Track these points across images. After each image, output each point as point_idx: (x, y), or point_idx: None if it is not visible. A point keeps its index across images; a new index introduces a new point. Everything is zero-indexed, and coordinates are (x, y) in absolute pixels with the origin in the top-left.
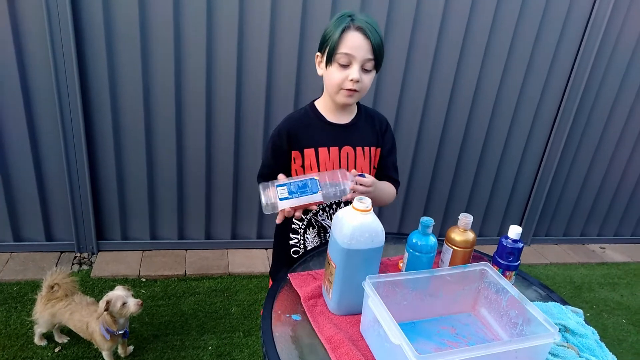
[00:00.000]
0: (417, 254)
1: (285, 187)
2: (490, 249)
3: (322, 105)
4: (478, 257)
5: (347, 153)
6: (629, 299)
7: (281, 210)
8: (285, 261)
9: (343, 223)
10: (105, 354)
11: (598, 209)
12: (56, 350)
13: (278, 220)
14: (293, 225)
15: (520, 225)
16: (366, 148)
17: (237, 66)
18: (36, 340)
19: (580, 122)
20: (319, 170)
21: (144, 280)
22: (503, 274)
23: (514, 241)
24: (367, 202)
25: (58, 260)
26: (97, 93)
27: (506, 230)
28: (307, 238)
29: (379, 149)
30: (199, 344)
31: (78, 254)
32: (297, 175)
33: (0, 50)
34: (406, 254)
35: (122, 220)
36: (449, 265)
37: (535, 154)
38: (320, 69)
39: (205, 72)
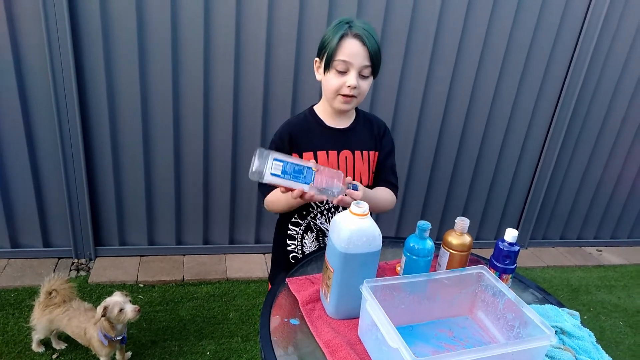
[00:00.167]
0: (414, 257)
1: (281, 164)
2: (488, 253)
3: (321, 110)
4: (475, 260)
5: (346, 157)
6: (626, 301)
7: (302, 194)
8: (284, 266)
9: (340, 227)
10: None
11: (594, 212)
12: (54, 356)
13: (293, 196)
14: (289, 232)
15: (517, 228)
16: (365, 152)
17: (234, 75)
18: (34, 346)
19: (576, 125)
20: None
21: (141, 285)
22: (500, 277)
23: (511, 244)
24: (365, 206)
25: (55, 266)
26: (95, 101)
27: (503, 234)
28: (305, 243)
29: (377, 153)
30: (197, 349)
31: (76, 260)
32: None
33: None
34: (403, 258)
35: (120, 226)
36: (446, 269)
37: (531, 158)
38: (319, 75)
39: (202, 82)
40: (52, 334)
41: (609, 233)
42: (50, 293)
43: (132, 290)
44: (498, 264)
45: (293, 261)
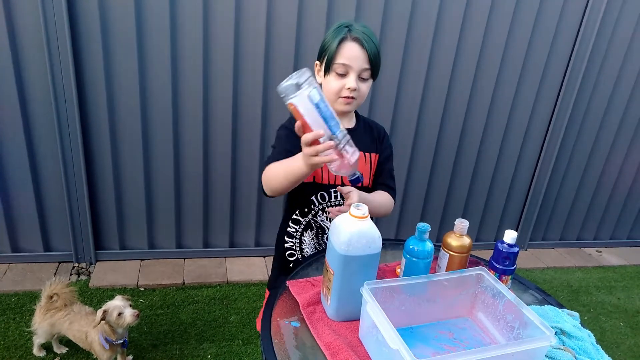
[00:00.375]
0: (414, 259)
1: (319, 98)
2: (487, 254)
3: None
4: (474, 262)
5: None
6: (625, 302)
7: (315, 142)
8: (282, 267)
9: (340, 230)
10: None
11: (594, 212)
12: None
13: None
14: (289, 229)
15: (516, 230)
16: (367, 154)
17: (233, 78)
18: (35, 351)
19: (574, 127)
20: (321, 171)
21: (142, 289)
22: (499, 278)
23: (510, 245)
24: (364, 208)
25: (56, 270)
26: (94, 104)
27: (502, 236)
28: (304, 240)
29: (377, 156)
30: (198, 352)
31: (76, 264)
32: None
33: None
34: (403, 260)
35: (120, 230)
36: (446, 271)
37: (530, 160)
38: (319, 77)
39: (201, 86)
40: (53, 338)
41: (609, 234)
42: (51, 297)
43: (132, 294)
44: (498, 265)
45: (291, 259)
